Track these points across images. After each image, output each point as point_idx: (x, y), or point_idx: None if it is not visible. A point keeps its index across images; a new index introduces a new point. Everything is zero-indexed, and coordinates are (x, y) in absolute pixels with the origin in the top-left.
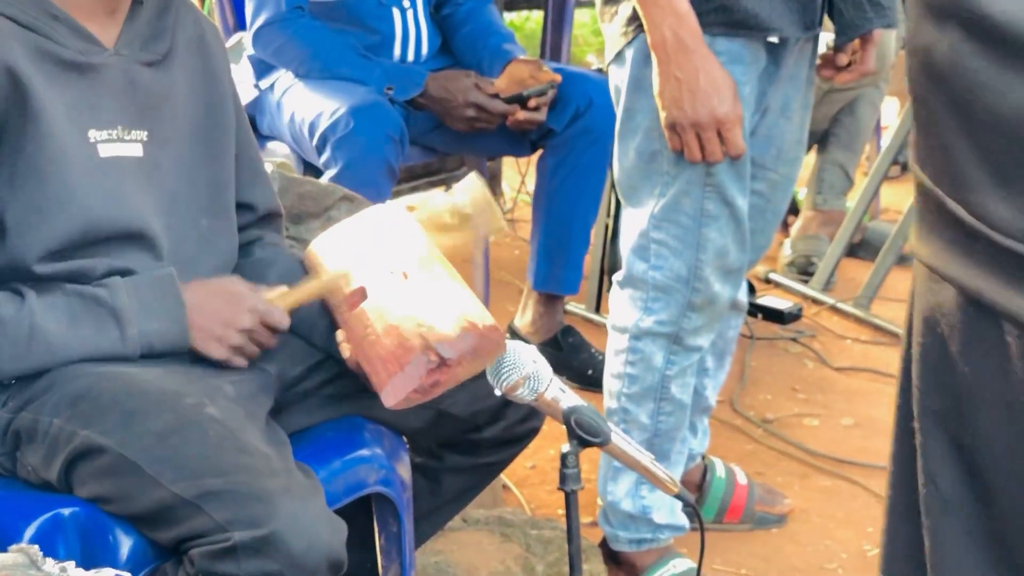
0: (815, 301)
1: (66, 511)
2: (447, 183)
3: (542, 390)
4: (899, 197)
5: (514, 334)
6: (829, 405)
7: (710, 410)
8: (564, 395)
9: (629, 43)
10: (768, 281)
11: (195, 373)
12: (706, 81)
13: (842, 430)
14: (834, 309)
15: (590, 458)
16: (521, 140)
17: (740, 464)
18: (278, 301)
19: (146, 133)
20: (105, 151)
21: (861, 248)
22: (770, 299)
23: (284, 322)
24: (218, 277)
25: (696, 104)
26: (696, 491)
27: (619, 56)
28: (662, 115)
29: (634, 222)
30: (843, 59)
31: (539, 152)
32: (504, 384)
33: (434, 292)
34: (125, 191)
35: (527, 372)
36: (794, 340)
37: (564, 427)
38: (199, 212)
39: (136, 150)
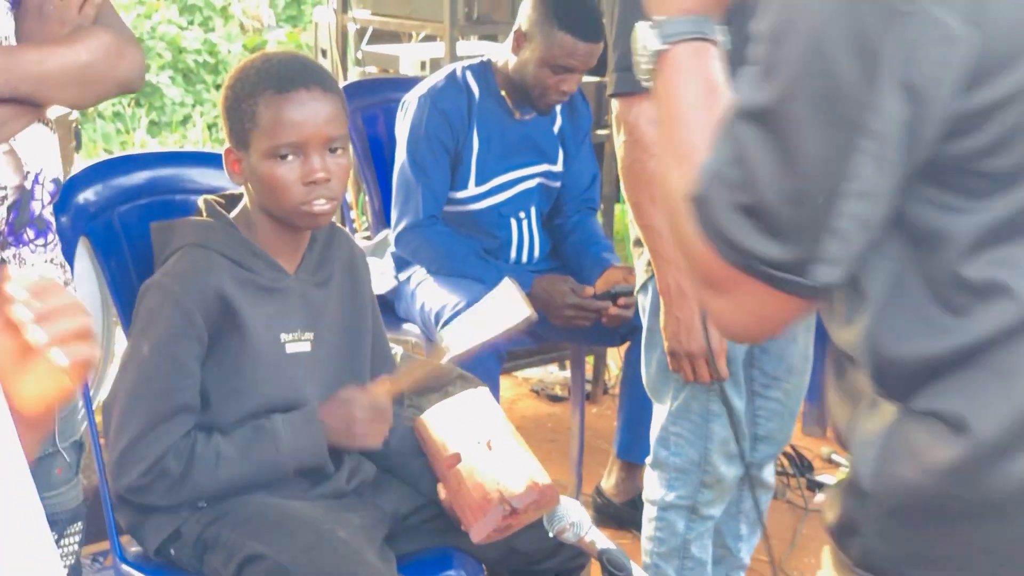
0: None
1: None
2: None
3: (583, 534)
4: None
5: (600, 494)
6: None
7: (745, 567)
8: (599, 539)
9: (650, 278)
10: (829, 461)
11: (333, 507)
12: (700, 322)
13: None
14: None
15: None
16: (612, 334)
17: None
18: (381, 391)
19: (312, 334)
20: (290, 349)
21: None
22: (826, 477)
23: (388, 408)
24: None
25: (691, 340)
26: None
27: (644, 286)
28: (665, 344)
29: (657, 416)
30: None
31: (627, 344)
32: (555, 528)
33: (508, 459)
34: (298, 377)
35: (572, 520)
36: None
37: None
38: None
39: (306, 347)
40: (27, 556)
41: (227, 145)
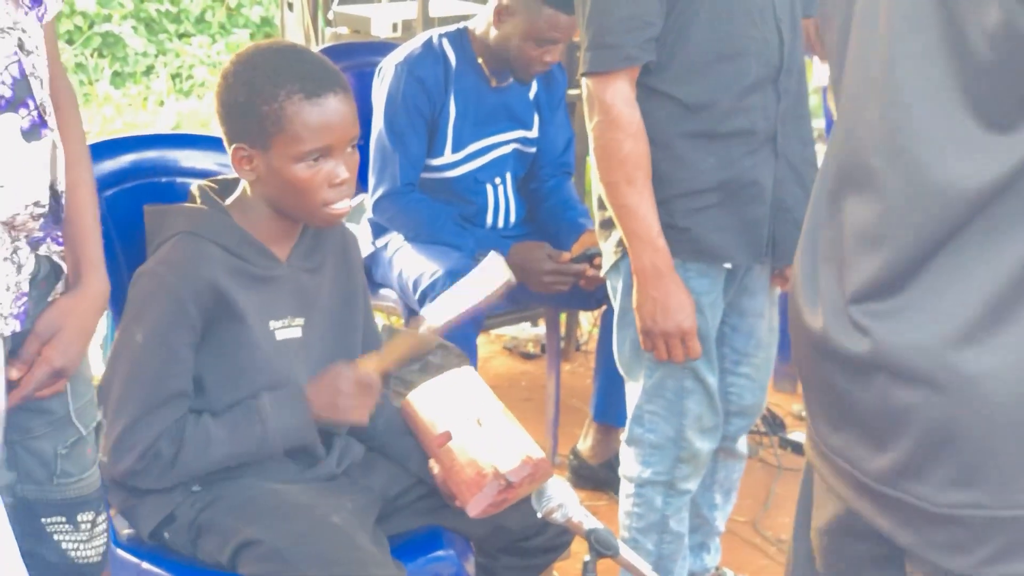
0: None
1: None
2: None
3: (570, 515)
4: None
5: (576, 456)
6: None
7: (720, 533)
8: (587, 519)
9: (622, 258)
10: (800, 418)
11: (325, 491)
12: (675, 302)
13: None
14: None
15: None
16: (588, 298)
17: None
18: (369, 366)
19: (303, 320)
20: (279, 336)
21: None
22: (798, 435)
23: (376, 382)
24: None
25: (667, 319)
26: None
27: (615, 266)
28: (639, 324)
29: (632, 394)
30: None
31: (603, 307)
32: (544, 509)
33: (500, 434)
34: (288, 363)
35: (560, 501)
36: None
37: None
38: None
39: (297, 332)
40: None
41: (235, 144)
